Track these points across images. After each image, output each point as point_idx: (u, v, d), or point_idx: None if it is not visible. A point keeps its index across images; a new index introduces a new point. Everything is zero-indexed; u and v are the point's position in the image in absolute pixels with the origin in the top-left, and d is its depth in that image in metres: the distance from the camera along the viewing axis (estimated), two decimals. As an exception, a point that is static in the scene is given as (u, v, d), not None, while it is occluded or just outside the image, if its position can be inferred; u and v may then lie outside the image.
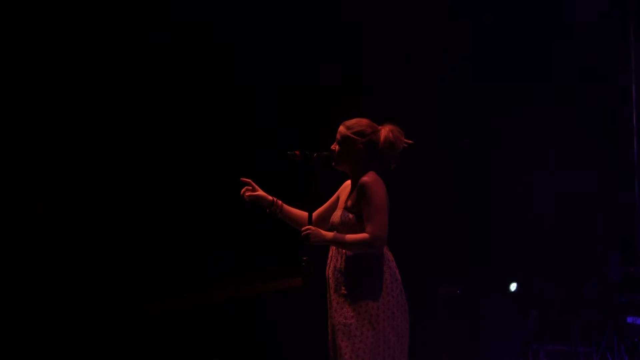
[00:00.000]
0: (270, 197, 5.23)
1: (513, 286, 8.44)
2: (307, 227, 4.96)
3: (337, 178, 5.35)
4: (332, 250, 5.12)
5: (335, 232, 5.04)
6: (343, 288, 4.99)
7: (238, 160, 8.03)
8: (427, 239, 8.30)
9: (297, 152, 5.06)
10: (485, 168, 8.34)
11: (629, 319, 7.72)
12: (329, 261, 5.13)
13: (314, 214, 5.23)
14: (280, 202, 5.25)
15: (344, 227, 5.03)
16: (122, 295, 7.57)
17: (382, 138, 5.04)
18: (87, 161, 7.67)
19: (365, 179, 4.97)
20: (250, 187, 5.22)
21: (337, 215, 5.11)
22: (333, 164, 5.15)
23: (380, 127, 5.08)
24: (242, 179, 5.16)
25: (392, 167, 5.11)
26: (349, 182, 5.22)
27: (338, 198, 5.31)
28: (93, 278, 7.56)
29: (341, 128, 5.12)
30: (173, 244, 7.87)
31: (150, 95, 7.93)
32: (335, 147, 5.12)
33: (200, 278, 7.76)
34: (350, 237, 4.95)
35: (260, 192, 5.24)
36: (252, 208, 5.30)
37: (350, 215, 5.03)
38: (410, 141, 5.08)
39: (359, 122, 5.10)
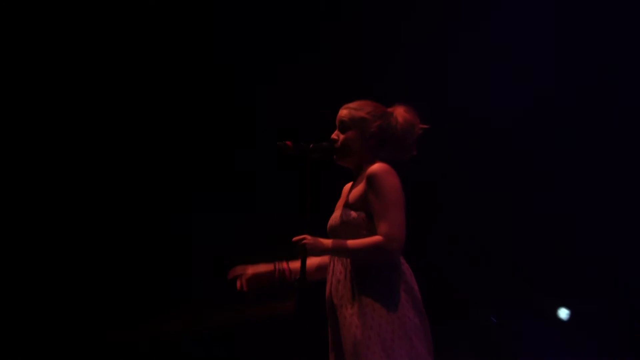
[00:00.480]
0: (270, 267, 4.59)
1: (563, 313, 7.27)
2: (302, 235, 4.25)
3: (339, 178, 4.71)
4: (332, 262, 4.46)
5: (335, 238, 4.36)
6: (349, 306, 4.32)
7: (223, 164, 7.64)
8: (456, 254, 7.61)
9: (288, 143, 4.37)
10: (525, 180, 7.54)
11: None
12: (329, 277, 4.46)
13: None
14: (284, 264, 4.61)
15: (346, 228, 4.36)
16: (93, 321, 7.28)
17: (400, 119, 4.47)
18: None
19: (375, 167, 4.32)
20: (242, 275, 4.54)
21: (336, 217, 4.44)
22: (335, 156, 4.49)
23: (390, 109, 4.53)
24: (229, 275, 4.52)
25: (407, 157, 4.53)
26: (349, 185, 4.62)
27: None
28: (66, 300, 7.34)
29: (345, 111, 4.51)
30: (155, 266, 7.54)
31: (145, 103, 7.60)
32: (337, 135, 4.47)
33: (183, 300, 7.40)
34: (356, 241, 4.28)
35: (257, 270, 4.56)
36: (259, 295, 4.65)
37: (354, 214, 4.36)
38: (426, 125, 4.55)
39: (365, 103, 4.52)
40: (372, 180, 4.30)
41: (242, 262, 4.52)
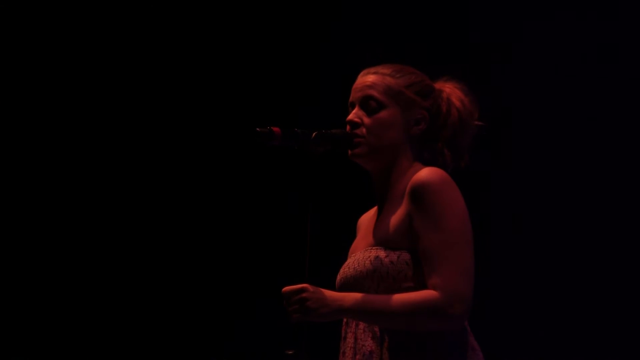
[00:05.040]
0: None
1: None
2: (298, 285, 2.96)
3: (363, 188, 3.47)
4: (350, 328, 3.15)
5: (355, 292, 3.06)
6: None
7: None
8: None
9: (275, 129, 3.12)
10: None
11: None
12: (343, 349, 3.18)
13: None
14: None
15: (378, 280, 3.05)
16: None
17: (457, 101, 3.22)
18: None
19: (425, 175, 3.02)
20: None
21: (357, 262, 3.10)
22: (353, 150, 3.16)
23: (436, 84, 3.25)
24: None
25: (461, 165, 3.28)
26: (371, 213, 3.35)
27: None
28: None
29: (373, 78, 3.16)
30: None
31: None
32: (359, 117, 3.15)
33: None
34: (396, 298, 2.98)
35: None
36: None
37: (392, 255, 3.04)
38: (481, 123, 3.33)
39: (402, 68, 3.17)
40: (421, 196, 2.98)
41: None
